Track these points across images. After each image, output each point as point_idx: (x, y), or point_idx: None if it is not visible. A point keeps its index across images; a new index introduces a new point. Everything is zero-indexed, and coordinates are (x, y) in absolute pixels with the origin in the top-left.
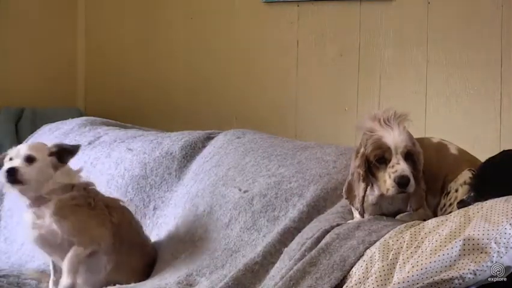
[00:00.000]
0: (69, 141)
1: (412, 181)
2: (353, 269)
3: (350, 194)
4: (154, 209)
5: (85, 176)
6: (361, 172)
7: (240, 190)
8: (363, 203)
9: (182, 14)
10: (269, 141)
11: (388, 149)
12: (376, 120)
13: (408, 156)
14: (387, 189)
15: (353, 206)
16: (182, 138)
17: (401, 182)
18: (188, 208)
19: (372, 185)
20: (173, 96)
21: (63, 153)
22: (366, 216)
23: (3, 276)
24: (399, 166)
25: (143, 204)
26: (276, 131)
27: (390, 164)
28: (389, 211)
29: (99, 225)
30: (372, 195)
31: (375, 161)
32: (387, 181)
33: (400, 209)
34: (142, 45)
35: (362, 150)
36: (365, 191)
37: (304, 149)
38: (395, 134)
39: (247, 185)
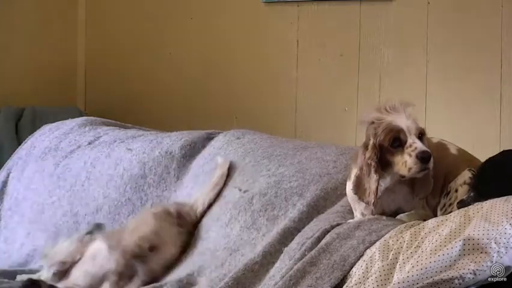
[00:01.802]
0: (69, 141)
1: (432, 158)
2: (353, 268)
3: (360, 189)
4: (152, 207)
5: (84, 177)
6: (373, 163)
7: (240, 190)
8: (376, 195)
9: (182, 14)
10: (269, 141)
11: (402, 130)
12: (382, 109)
13: (421, 138)
14: (410, 169)
15: (363, 201)
16: (182, 138)
17: (424, 157)
18: None
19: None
20: (174, 96)
21: None
22: (372, 211)
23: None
24: (417, 144)
25: (141, 202)
26: (276, 131)
27: (407, 144)
28: (390, 209)
29: None
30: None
31: (390, 145)
32: (408, 161)
33: (400, 207)
34: (141, 45)
35: (371, 141)
36: (378, 182)
37: (304, 148)
38: (404, 117)
39: (247, 185)
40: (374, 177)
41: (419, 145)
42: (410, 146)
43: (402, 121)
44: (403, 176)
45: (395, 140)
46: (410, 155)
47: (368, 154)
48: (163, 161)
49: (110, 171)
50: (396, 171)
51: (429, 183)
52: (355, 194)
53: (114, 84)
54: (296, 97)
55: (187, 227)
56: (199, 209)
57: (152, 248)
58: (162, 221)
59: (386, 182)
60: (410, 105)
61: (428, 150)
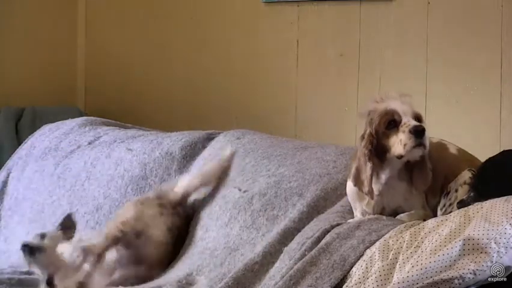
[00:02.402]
0: (69, 141)
1: (427, 133)
2: (353, 268)
3: (358, 180)
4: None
5: (84, 177)
6: (366, 151)
7: (240, 190)
8: (371, 183)
9: (182, 14)
10: (269, 142)
11: (396, 112)
12: (378, 99)
13: (418, 121)
14: (405, 145)
15: (362, 191)
16: (182, 138)
17: (418, 130)
18: None
19: (377, 174)
20: (174, 96)
21: None
22: (369, 209)
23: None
24: (411, 121)
25: None
26: (276, 131)
27: (402, 123)
28: (389, 206)
29: None
30: (376, 185)
31: (386, 127)
32: (402, 138)
33: (400, 205)
34: (142, 45)
35: (368, 130)
36: (373, 170)
37: (304, 148)
38: (399, 103)
39: (247, 185)
40: (368, 165)
41: (413, 122)
42: (405, 123)
43: (398, 105)
44: (400, 157)
45: (390, 122)
46: (404, 131)
47: (363, 143)
48: (163, 162)
49: (110, 172)
50: (393, 153)
51: (427, 173)
52: (355, 185)
53: (114, 84)
54: (296, 97)
55: (169, 208)
56: (180, 189)
57: (138, 234)
58: (141, 205)
59: (386, 173)
60: (407, 95)
61: (423, 125)
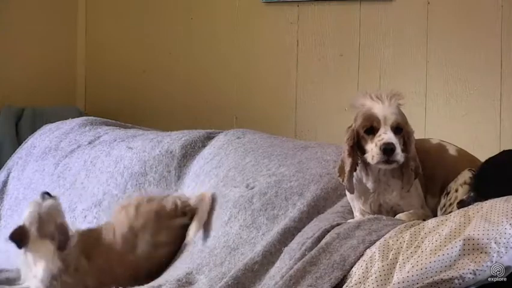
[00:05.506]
0: (69, 140)
1: (399, 150)
2: (353, 268)
3: (342, 172)
4: None
5: (84, 175)
6: (347, 147)
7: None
8: (350, 178)
9: (182, 14)
10: (269, 141)
11: (377, 119)
12: (367, 95)
13: (398, 130)
14: (373, 157)
15: (343, 183)
16: (182, 137)
17: (387, 149)
18: None
19: (366, 170)
20: (174, 96)
21: None
22: (366, 207)
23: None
24: (385, 135)
25: None
26: (276, 130)
27: (378, 133)
28: (387, 204)
29: None
30: (368, 182)
31: (364, 132)
32: (373, 149)
33: (397, 203)
34: (142, 45)
35: (353, 125)
36: (352, 165)
37: (304, 148)
38: (384, 106)
39: (247, 185)
40: (348, 160)
41: (386, 136)
42: (379, 136)
43: (381, 110)
44: (369, 163)
45: (369, 128)
46: (376, 145)
47: (346, 137)
48: (163, 160)
49: (110, 169)
50: (365, 157)
51: (410, 175)
52: (338, 176)
53: (114, 85)
54: (296, 97)
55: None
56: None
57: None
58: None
59: (373, 169)
60: (400, 98)
61: (394, 143)
